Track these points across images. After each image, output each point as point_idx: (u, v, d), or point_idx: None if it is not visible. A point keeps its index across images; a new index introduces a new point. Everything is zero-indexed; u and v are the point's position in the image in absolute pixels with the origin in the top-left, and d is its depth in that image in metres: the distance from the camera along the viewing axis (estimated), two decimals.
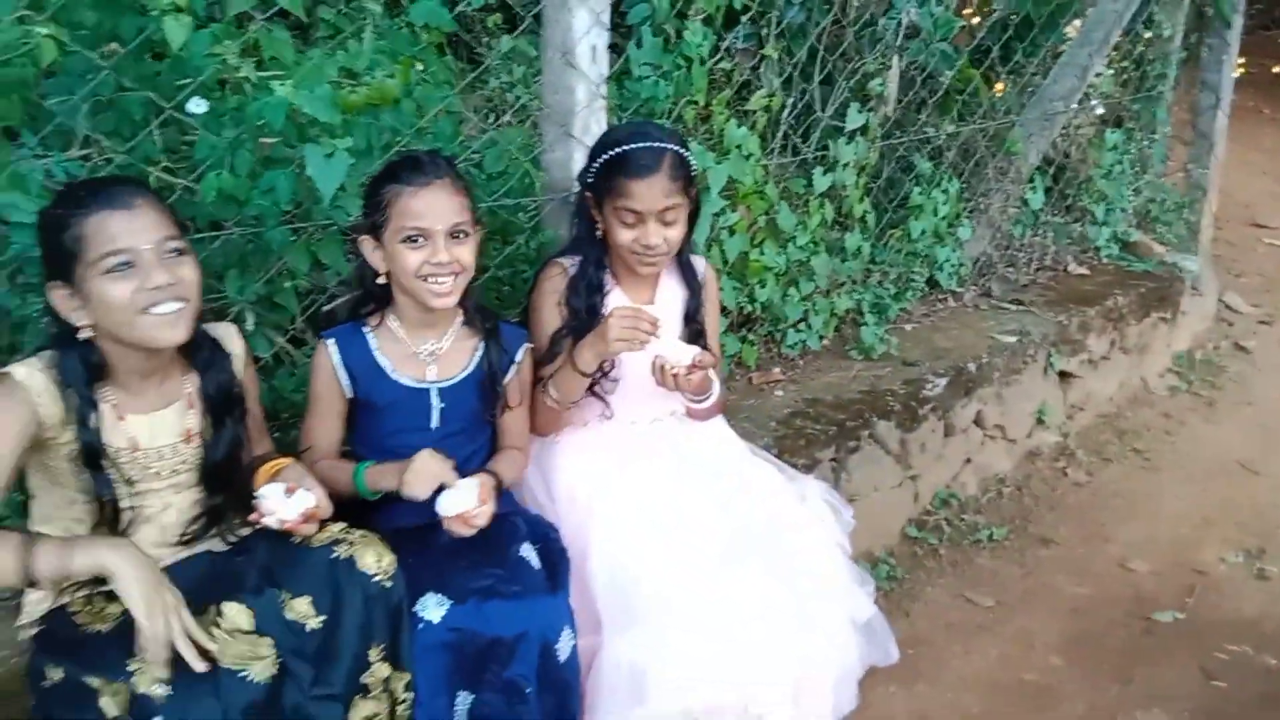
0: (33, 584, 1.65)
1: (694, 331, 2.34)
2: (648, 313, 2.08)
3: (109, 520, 1.78)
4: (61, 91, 2.09)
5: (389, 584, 1.82)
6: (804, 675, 2.15)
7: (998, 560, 3.27)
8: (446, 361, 2.09)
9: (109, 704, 1.63)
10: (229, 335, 1.92)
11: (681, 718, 2.04)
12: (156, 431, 1.81)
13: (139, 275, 1.65)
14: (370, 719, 1.81)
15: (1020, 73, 4.35)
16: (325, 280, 2.43)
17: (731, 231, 2.96)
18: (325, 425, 2.09)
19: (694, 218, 2.26)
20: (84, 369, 1.71)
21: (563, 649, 1.98)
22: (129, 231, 1.64)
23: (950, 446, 3.40)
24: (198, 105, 2.13)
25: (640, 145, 2.13)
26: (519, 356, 2.16)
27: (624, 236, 2.16)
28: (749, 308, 3.11)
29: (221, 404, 1.87)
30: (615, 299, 2.25)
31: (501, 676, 1.90)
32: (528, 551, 2.07)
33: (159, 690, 1.61)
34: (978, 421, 3.53)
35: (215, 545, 1.91)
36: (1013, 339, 3.68)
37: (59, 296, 1.69)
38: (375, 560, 1.81)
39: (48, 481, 1.78)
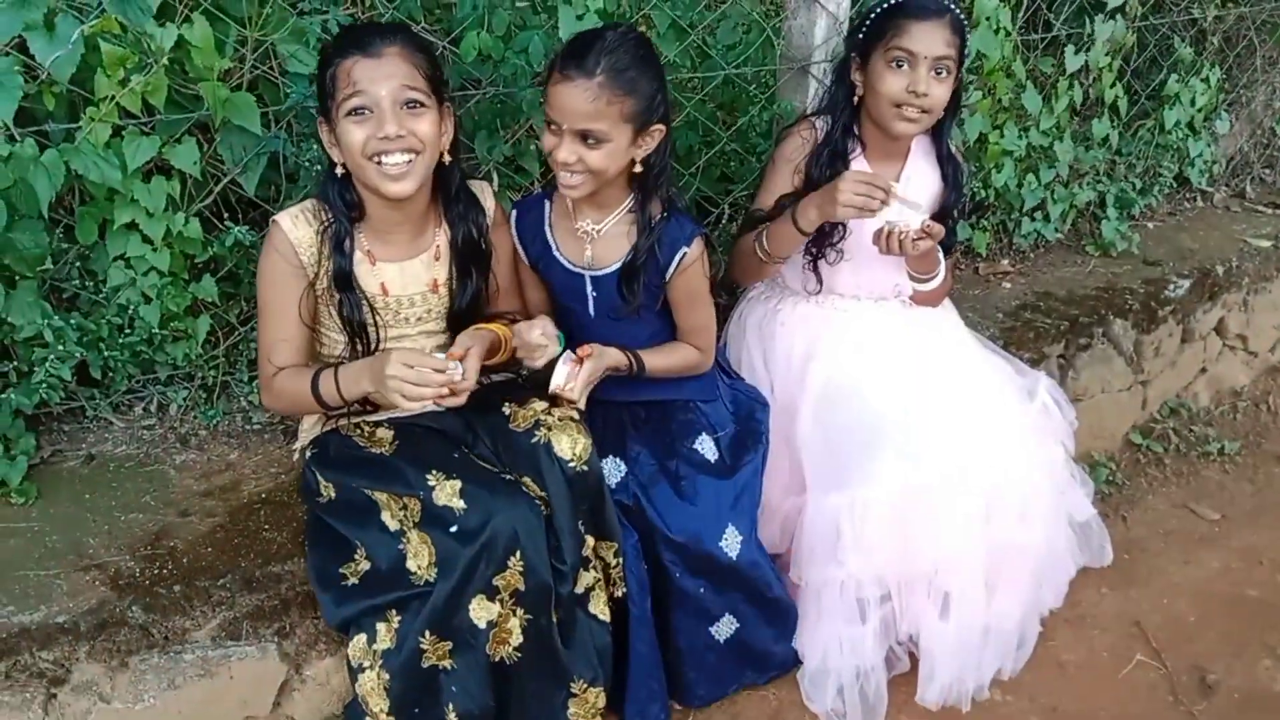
0: (324, 405, 1.84)
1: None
2: (882, 179, 2.03)
3: (362, 345, 1.92)
4: None
5: (584, 468, 1.87)
6: (1001, 562, 2.15)
7: (1226, 475, 3.11)
8: (604, 246, 2.02)
9: (390, 518, 1.80)
10: (484, 192, 2.00)
11: (874, 583, 2.10)
12: (406, 279, 1.93)
13: (373, 123, 1.73)
14: (590, 588, 1.91)
15: None
16: None
17: (972, 111, 2.83)
18: (524, 291, 2.13)
19: (955, 102, 2.16)
20: (343, 202, 1.84)
21: (729, 546, 2.04)
22: (370, 79, 1.71)
23: (1186, 354, 3.22)
24: None
25: None
26: (679, 257, 1.99)
27: (893, 83, 2.07)
28: (982, 193, 2.99)
29: (468, 256, 1.95)
30: (857, 168, 2.19)
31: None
32: (703, 444, 2.12)
33: (458, 502, 1.75)
34: (1219, 330, 3.32)
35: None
36: (1267, 244, 3.42)
37: (322, 131, 1.81)
38: (570, 446, 1.86)
39: (320, 320, 1.94)
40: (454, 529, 1.74)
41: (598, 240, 2.02)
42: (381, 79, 1.71)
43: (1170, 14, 3.46)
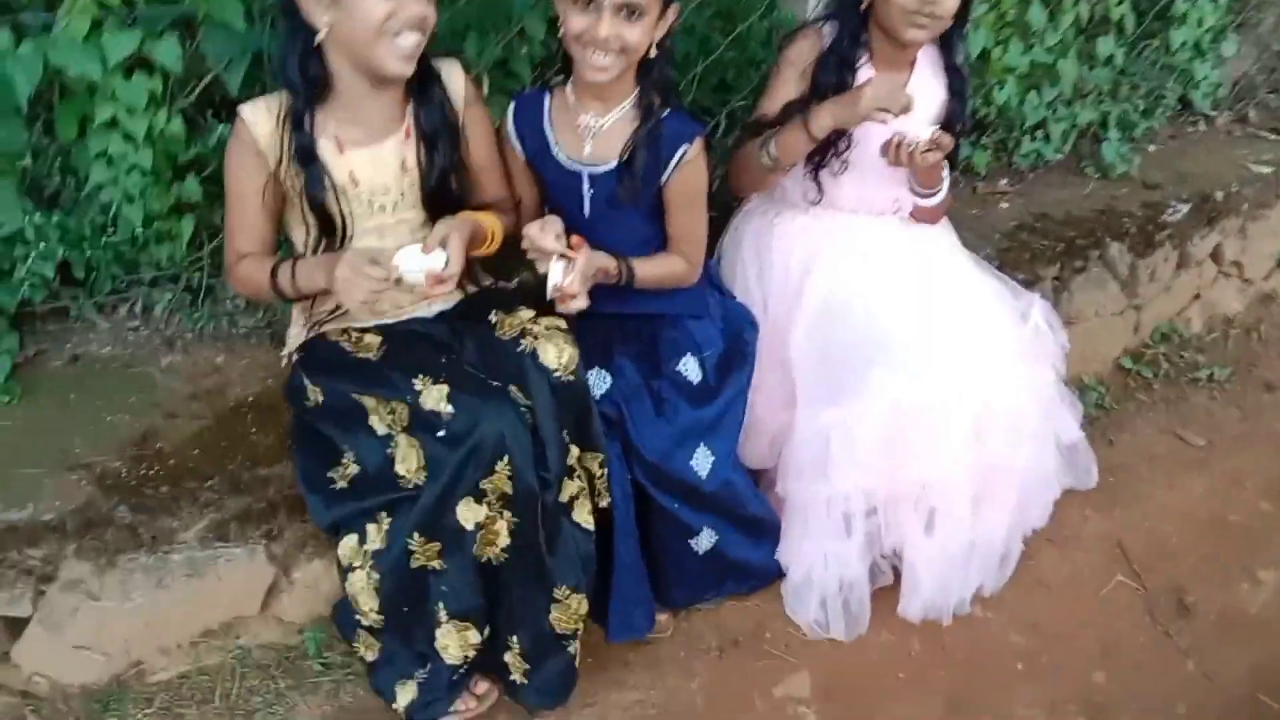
0: (281, 297, 1.85)
1: None
2: (906, 94, 1.97)
3: (329, 234, 1.88)
4: None
5: (570, 378, 1.86)
6: (988, 480, 2.16)
7: (1215, 401, 3.11)
8: (604, 142, 1.99)
9: (378, 422, 1.79)
10: (451, 69, 1.92)
11: (861, 498, 2.11)
12: (377, 165, 1.87)
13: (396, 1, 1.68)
14: (575, 497, 1.91)
15: None
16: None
17: (975, 25, 2.76)
18: (515, 186, 2.09)
19: (965, 11, 2.09)
20: (304, 78, 1.77)
21: (699, 466, 2.05)
22: None
23: (1181, 279, 3.19)
24: None
25: None
26: (680, 154, 1.96)
27: None
28: (983, 110, 2.94)
29: (434, 133, 1.89)
30: (865, 76, 2.14)
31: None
32: (688, 364, 2.10)
33: (445, 407, 1.74)
34: (1214, 256, 3.29)
35: (444, 303, 2.01)
36: (1268, 170, 3.37)
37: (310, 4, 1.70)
38: (556, 355, 1.85)
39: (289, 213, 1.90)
40: (441, 433, 1.74)
41: (600, 136, 1.98)
42: None
43: None
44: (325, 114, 1.82)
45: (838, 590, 2.15)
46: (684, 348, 2.11)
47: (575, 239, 1.89)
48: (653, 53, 1.90)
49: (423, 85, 1.87)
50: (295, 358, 1.96)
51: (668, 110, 1.97)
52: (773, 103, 2.15)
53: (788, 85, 2.15)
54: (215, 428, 2.01)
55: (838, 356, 2.13)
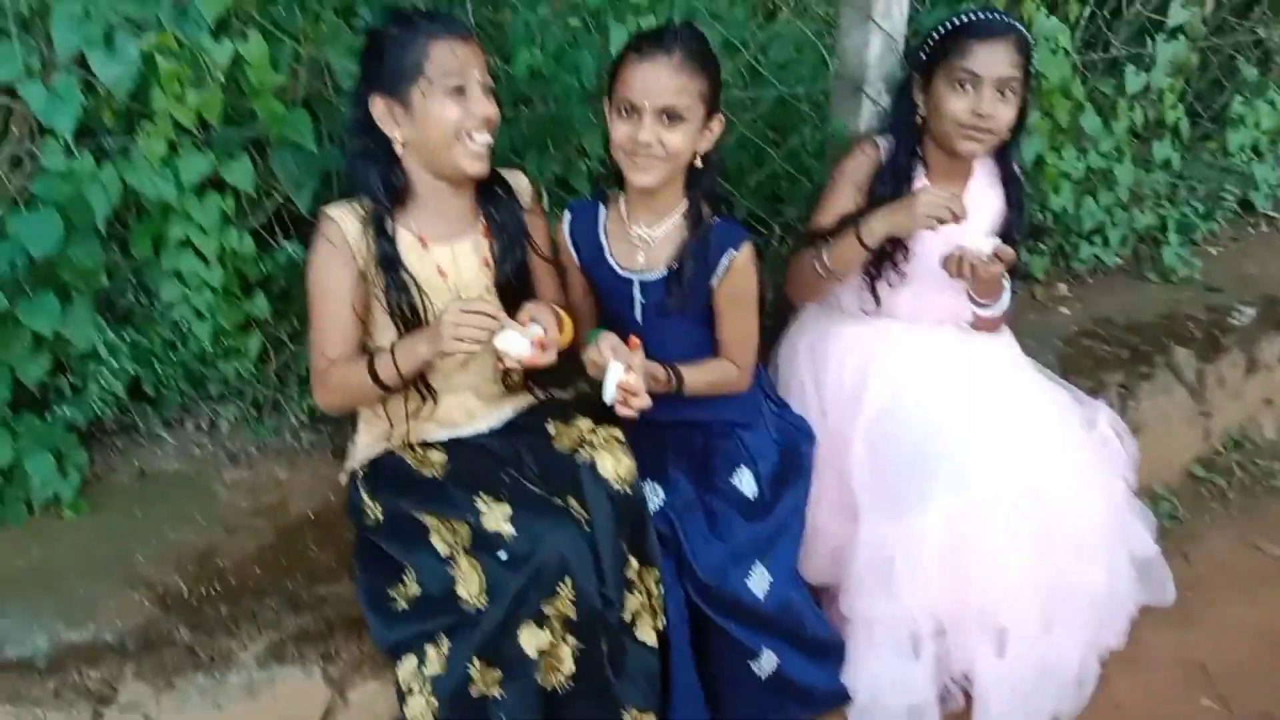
0: (384, 387, 1.82)
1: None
2: (959, 203, 1.98)
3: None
4: None
5: (627, 490, 1.84)
6: (1059, 598, 2.09)
7: None
8: (657, 252, 2.00)
9: (440, 542, 1.78)
10: (515, 176, 2.01)
11: (927, 617, 2.04)
12: (460, 261, 1.91)
13: (468, 102, 1.78)
14: (637, 614, 1.87)
15: None
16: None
17: (1030, 132, 2.77)
18: (572, 292, 2.10)
19: (1022, 119, 2.12)
20: (384, 185, 1.84)
21: (756, 586, 1.99)
22: (468, 61, 1.78)
23: (1251, 384, 3.12)
24: None
25: (989, 14, 2.04)
26: (727, 260, 1.96)
27: (956, 105, 2.04)
28: (1039, 216, 2.93)
29: (506, 229, 1.95)
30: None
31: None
32: (742, 477, 2.07)
33: (507, 528, 1.73)
34: None
35: (513, 409, 2.02)
36: None
37: (380, 107, 1.80)
38: (614, 466, 1.84)
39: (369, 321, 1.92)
40: (503, 555, 1.72)
41: (652, 247, 2.01)
42: (474, 63, 1.79)
43: (1234, 34, 3.38)
44: (406, 216, 1.88)
45: (906, 715, 2.07)
46: (737, 459, 2.08)
47: (632, 339, 1.89)
48: (698, 163, 1.94)
49: (492, 188, 1.94)
50: (358, 474, 1.96)
51: (716, 219, 1.99)
52: (828, 214, 2.16)
53: (843, 197, 2.16)
54: (276, 544, 2.00)
55: (898, 469, 2.09)
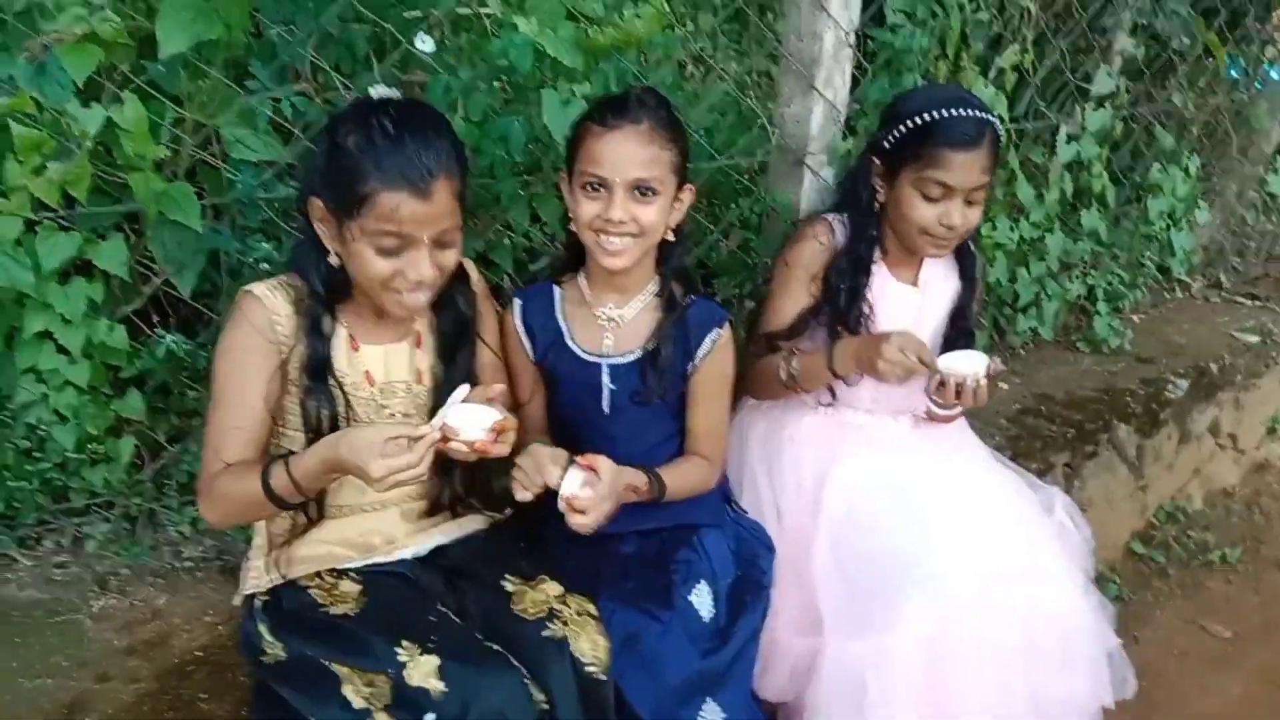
0: (278, 502, 1.52)
1: (959, 331, 2.08)
2: (928, 353, 1.87)
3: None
4: (279, 20, 1.94)
5: (603, 677, 1.61)
6: (1040, 712, 1.92)
7: (1231, 585, 2.97)
8: (627, 334, 1.84)
9: (354, 694, 1.50)
10: (466, 268, 1.75)
11: None
12: (391, 365, 1.67)
13: (403, 261, 1.52)
14: None
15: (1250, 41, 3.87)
16: (535, 240, 2.26)
17: None
18: (519, 387, 1.89)
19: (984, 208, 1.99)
20: (324, 284, 1.58)
21: None
22: (415, 221, 1.49)
23: (1183, 455, 3.08)
24: (423, 42, 1.95)
25: (965, 113, 1.86)
26: (707, 346, 1.83)
27: (925, 214, 1.90)
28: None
29: (455, 340, 1.72)
30: (879, 279, 2.01)
31: None
32: (700, 595, 1.84)
33: (435, 684, 1.47)
34: (1212, 429, 3.19)
35: (443, 535, 1.76)
36: (1255, 339, 3.33)
37: (319, 213, 1.54)
38: (590, 648, 1.60)
39: (280, 420, 1.64)
40: (431, 717, 1.45)
41: (622, 327, 1.83)
42: (428, 221, 1.50)
43: (1152, 102, 3.38)
44: (340, 309, 1.63)
45: None
46: (697, 574, 1.85)
47: (589, 457, 1.66)
48: (669, 236, 1.77)
49: (449, 289, 1.68)
50: (256, 603, 1.67)
51: (691, 297, 1.83)
52: (784, 309, 2.02)
53: (799, 291, 2.02)
54: (156, 691, 1.69)
55: (864, 578, 1.91)
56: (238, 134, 1.82)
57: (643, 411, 1.85)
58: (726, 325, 1.86)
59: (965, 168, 1.86)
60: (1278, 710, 2.50)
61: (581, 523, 1.63)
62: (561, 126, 1.90)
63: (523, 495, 1.64)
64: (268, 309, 1.57)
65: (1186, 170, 3.40)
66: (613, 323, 1.84)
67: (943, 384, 1.89)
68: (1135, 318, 3.34)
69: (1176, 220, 3.46)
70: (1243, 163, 3.75)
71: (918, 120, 1.89)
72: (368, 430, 1.50)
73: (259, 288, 1.59)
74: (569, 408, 1.86)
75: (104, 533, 1.95)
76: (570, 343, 1.84)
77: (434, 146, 1.50)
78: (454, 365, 1.71)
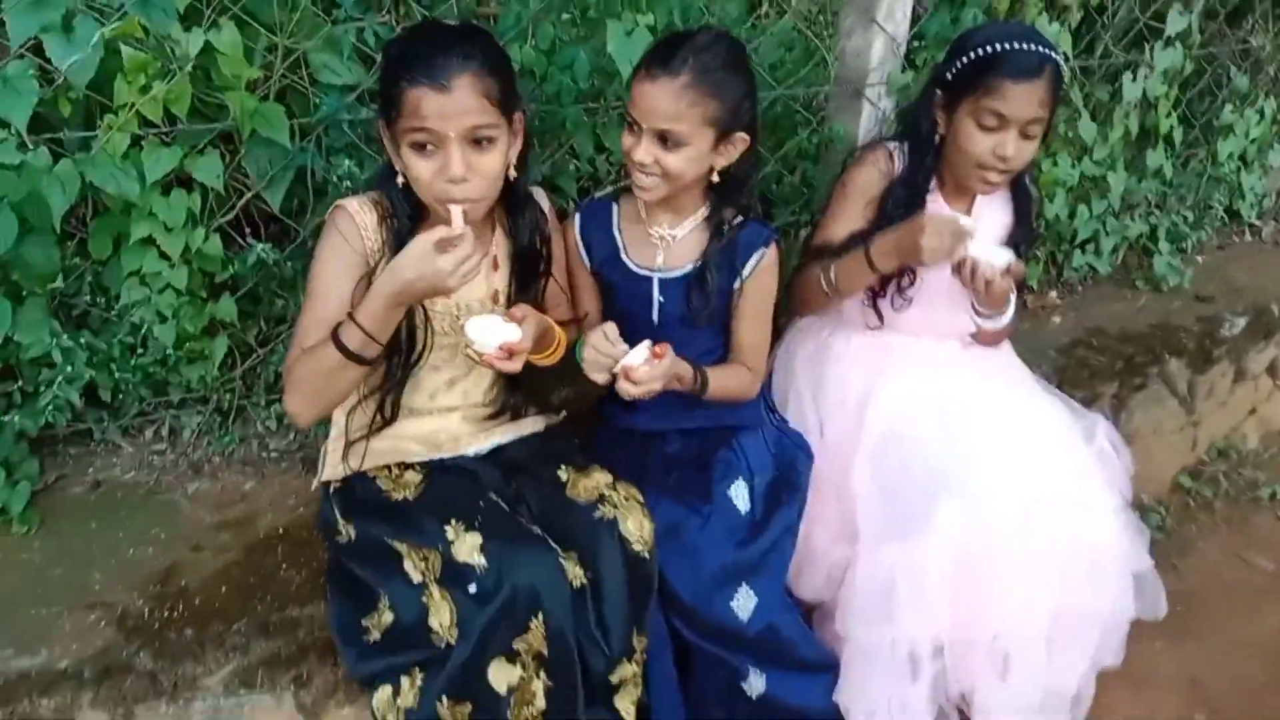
0: (354, 358, 1.61)
1: None
2: (962, 223, 1.91)
3: (402, 357, 1.78)
4: None
5: (647, 555, 1.76)
6: (1068, 622, 2.02)
7: (1279, 522, 2.98)
8: (677, 251, 1.95)
9: (412, 568, 1.67)
10: (540, 197, 1.88)
11: (929, 643, 1.97)
12: (465, 286, 1.75)
13: (440, 159, 1.61)
14: (624, 681, 1.77)
15: None
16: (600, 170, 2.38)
17: None
18: (579, 298, 2.03)
19: (1044, 141, 2.03)
20: (407, 204, 1.71)
21: (740, 609, 1.90)
22: (439, 115, 1.58)
23: (1237, 394, 3.10)
24: None
25: (1027, 47, 1.91)
26: (752, 264, 1.93)
27: (979, 144, 1.95)
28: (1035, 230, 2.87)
29: (527, 265, 1.84)
30: (933, 208, 2.07)
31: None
32: (738, 490, 1.99)
33: (478, 559, 1.62)
34: (1270, 370, 3.19)
35: (503, 435, 1.91)
36: None
37: (384, 135, 1.67)
38: (637, 528, 1.75)
39: None
40: (472, 588, 1.61)
41: (673, 246, 1.94)
42: (452, 115, 1.57)
43: (1228, 42, 3.34)
44: (421, 228, 1.72)
45: None
46: (735, 471, 2.00)
47: (662, 347, 1.80)
48: (715, 177, 1.86)
49: (522, 214, 1.81)
50: (332, 489, 1.85)
51: (742, 220, 1.93)
52: (837, 228, 2.08)
53: (854, 210, 2.08)
54: (243, 561, 1.89)
55: (902, 490, 2.01)
56: (324, 59, 1.96)
57: (686, 324, 1.96)
58: (773, 245, 1.95)
59: (1022, 98, 1.90)
60: None
61: (628, 390, 1.77)
62: (625, 55, 2.00)
63: (598, 376, 1.78)
64: (357, 222, 1.71)
65: (1261, 112, 3.37)
66: (664, 241, 1.94)
67: (966, 267, 1.94)
68: (1199, 259, 3.33)
69: (1249, 163, 3.43)
70: None
71: (980, 52, 1.93)
72: (413, 245, 1.57)
73: (350, 202, 1.72)
74: (622, 316, 1.97)
75: (198, 424, 2.14)
76: (624, 257, 1.96)
77: (459, 49, 1.58)
78: (526, 290, 1.84)
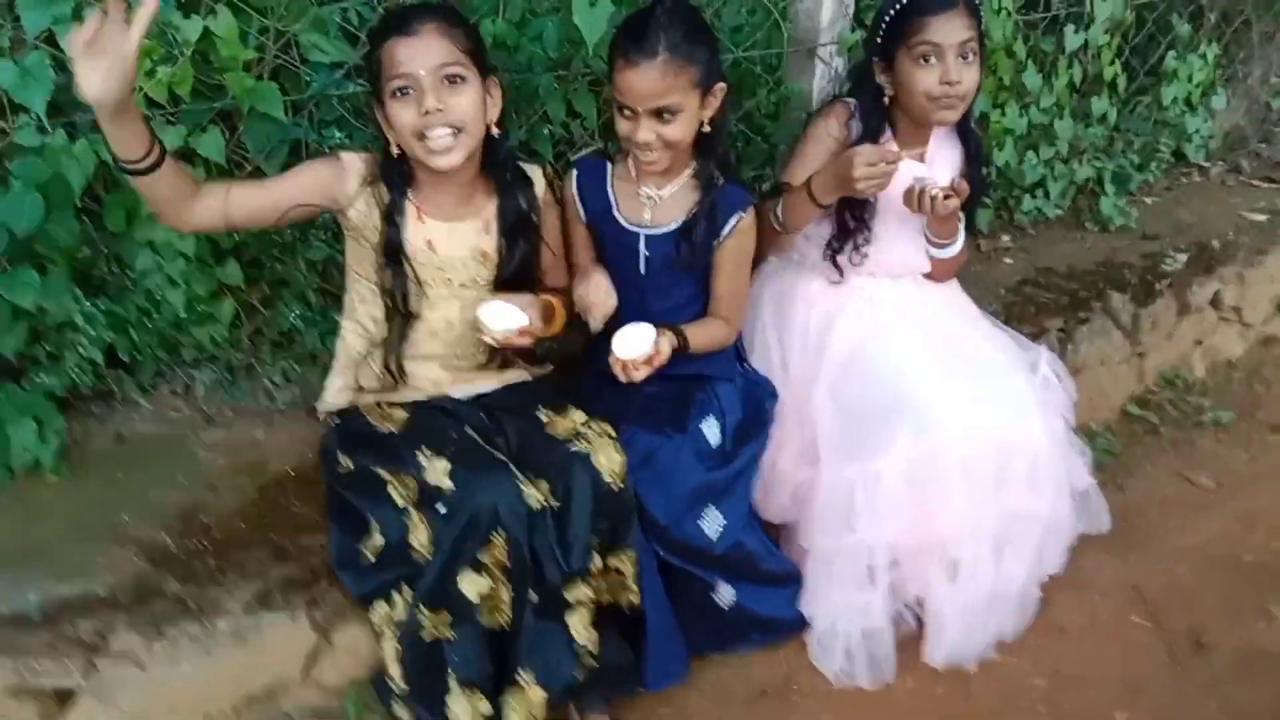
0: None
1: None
2: (888, 149, 2.08)
3: (400, 318, 1.99)
4: None
5: (619, 486, 1.92)
6: (1010, 529, 2.23)
7: (1222, 444, 3.16)
8: (664, 209, 2.12)
9: (396, 494, 1.89)
10: (534, 172, 2.07)
11: (885, 550, 2.17)
12: (454, 241, 1.98)
13: (416, 100, 1.79)
14: (581, 601, 1.91)
15: None
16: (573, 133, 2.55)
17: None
18: (576, 252, 2.20)
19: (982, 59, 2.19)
20: (399, 175, 1.91)
21: (708, 528, 2.10)
22: (409, 58, 1.77)
23: (1182, 326, 3.28)
24: None
25: None
26: (733, 223, 2.10)
27: (925, 80, 2.11)
28: (984, 171, 3.04)
29: (516, 225, 2.01)
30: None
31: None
32: (709, 425, 2.17)
33: (446, 482, 1.83)
34: (1214, 302, 3.38)
35: (488, 384, 2.11)
36: (1262, 218, 3.48)
37: (378, 115, 1.87)
38: (607, 461, 1.91)
39: (357, 272, 2.01)
40: (442, 508, 1.81)
41: (659, 204, 2.12)
42: (420, 55, 1.77)
43: None
44: (412, 192, 1.95)
45: (862, 640, 2.20)
46: (709, 409, 2.19)
47: (662, 355, 2.00)
48: (705, 128, 2.03)
49: (504, 174, 1.99)
50: (333, 424, 2.06)
51: (722, 181, 2.10)
52: (797, 174, 2.23)
53: (815, 154, 2.24)
54: (258, 499, 2.08)
55: (860, 412, 2.20)
56: (313, 39, 2.13)
57: (673, 274, 2.15)
58: (750, 210, 2.13)
59: (946, 25, 2.08)
60: (1251, 546, 2.71)
61: (620, 374, 1.97)
62: (590, 25, 2.16)
63: (596, 324, 1.99)
64: (344, 167, 1.91)
65: (1204, 57, 3.53)
66: (652, 200, 2.12)
67: (913, 192, 2.12)
68: (1148, 200, 3.51)
69: (1194, 106, 3.60)
70: (1266, 49, 3.84)
71: (897, 5, 2.12)
72: None
73: (347, 154, 1.93)
74: (611, 266, 2.16)
75: (210, 380, 2.32)
76: (616, 214, 2.14)
77: (422, 7, 1.81)
78: (514, 248, 2.01)
